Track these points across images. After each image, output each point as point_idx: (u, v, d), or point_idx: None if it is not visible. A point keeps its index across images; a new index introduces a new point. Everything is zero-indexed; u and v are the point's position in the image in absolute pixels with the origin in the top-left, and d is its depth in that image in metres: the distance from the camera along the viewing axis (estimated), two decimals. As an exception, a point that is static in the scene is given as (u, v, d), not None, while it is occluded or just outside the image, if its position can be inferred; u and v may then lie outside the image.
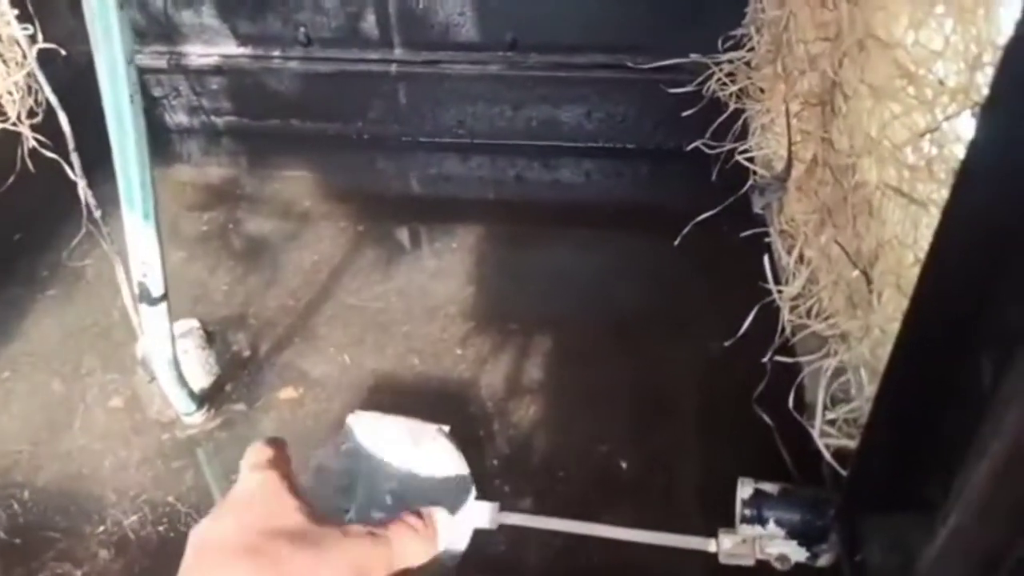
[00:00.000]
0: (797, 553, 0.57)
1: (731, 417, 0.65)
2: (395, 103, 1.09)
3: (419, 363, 0.84)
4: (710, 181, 0.80)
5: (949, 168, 0.39)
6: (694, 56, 0.85)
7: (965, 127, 0.39)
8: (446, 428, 0.71)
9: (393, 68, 1.05)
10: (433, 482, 0.66)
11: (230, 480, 0.75)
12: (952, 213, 0.33)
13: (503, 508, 0.65)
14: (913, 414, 0.39)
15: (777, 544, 0.58)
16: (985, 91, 0.37)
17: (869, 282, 0.49)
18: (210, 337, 0.84)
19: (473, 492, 0.66)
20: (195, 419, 0.76)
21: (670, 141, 0.90)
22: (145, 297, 0.58)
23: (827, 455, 0.46)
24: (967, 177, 0.31)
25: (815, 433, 0.48)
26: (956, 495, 0.32)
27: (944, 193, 0.40)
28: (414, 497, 0.65)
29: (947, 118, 0.39)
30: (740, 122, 0.77)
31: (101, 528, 0.71)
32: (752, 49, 0.83)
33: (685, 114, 0.83)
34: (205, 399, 0.78)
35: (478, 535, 0.64)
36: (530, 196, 1.04)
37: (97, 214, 0.76)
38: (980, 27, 0.37)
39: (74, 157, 0.76)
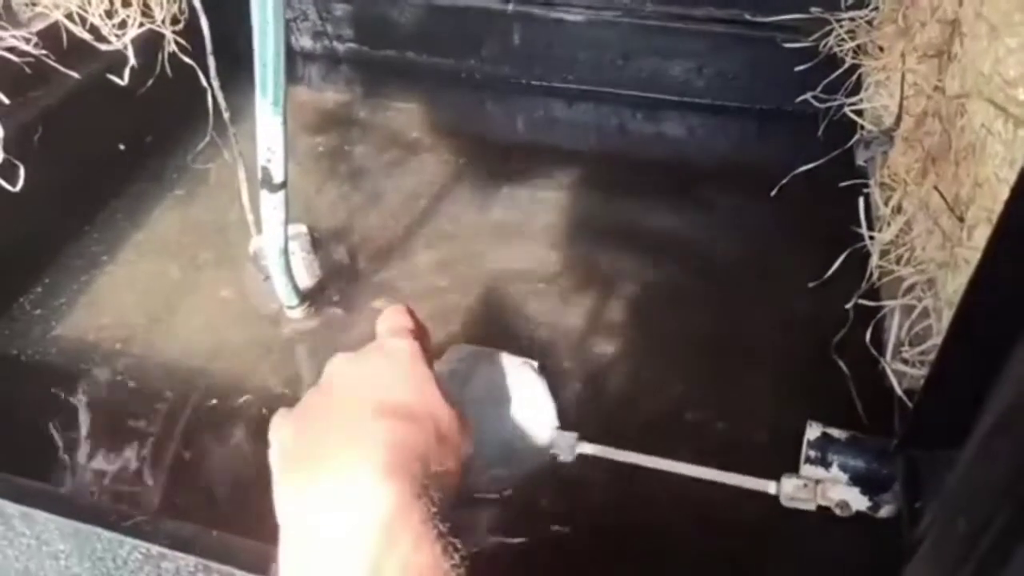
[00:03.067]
0: (858, 501, 0.58)
1: (809, 363, 0.65)
2: (508, 43, 1.11)
3: (505, 296, 0.87)
4: (816, 137, 0.79)
5: (1058, 104, 0.39)
6: (815, 11, 0.84)
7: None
8: (535, 363, 0.74)
9: (510, 7, 1.08)
10: (522, 411, 0.69)
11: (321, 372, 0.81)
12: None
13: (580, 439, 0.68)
14: (984, 349, 0.39)
15: (839, 490, 0.59)
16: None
17: (963, 229, 0.49)
18: (316, 243, 0.89)
19: (556, 422, 0.69)
20: (296, 314, 0.82)
21: (780, 98, 0.89)
22: (266, 182, 0.63)
23: (898, 389, 0.46)
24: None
25: (887, 368, 0.49)
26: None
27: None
28: (503, 424, 0.67)
29: (1063, 54, 0.39)
30: (854, 78, 0.76)
31: (205, 401, 0.77)
32: (876, 8, 0.81)
33: (798, 69, 0.82)
34: (307, 298, 0.83)
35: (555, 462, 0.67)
36: (632, 146, 1.05)
37: (226, 116, 0.82)
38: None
39: (210, 61, 0.82)
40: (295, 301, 0.80)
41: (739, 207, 0.87)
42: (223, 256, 0.92)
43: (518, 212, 0.98)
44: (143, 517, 0.52)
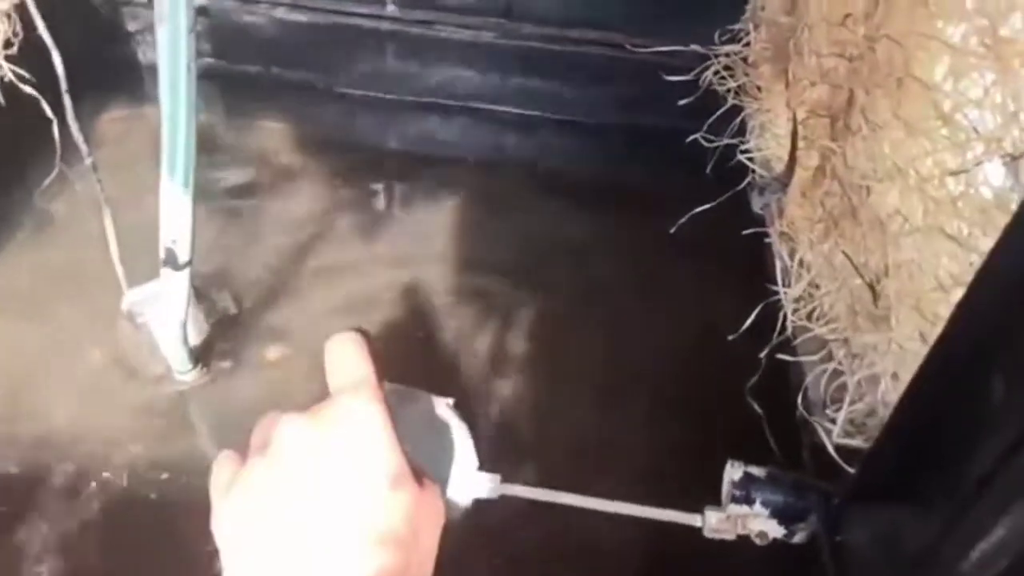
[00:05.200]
0: (776, 531, 0.63)
1: (721, 402, 0.70)
2: (382, 61, 1.08)
3: (405, 331, 0.85)
4: (705, 173, 0.83)
5: (976, 207, 0.43)
6: (694, 46, 0.87)
7: (995, 173, 0.43)
8: (451, 401, 0.74)
9: (384, 25, 1.04)
10: (440, 453, 0.69)
11: (222, 436, 0.76)
12: (999, 257, 0.37)
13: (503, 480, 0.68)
14: (926, 425, 0.44)
15: (759, 522, 0.63)
16: (1020, 148, 0.41)
17: (875, 296, 0.53)
18: (197, 294, 0.83)
19: (476, 463, 0.69)
20: (187, 377, 0.76)
21: (663, 127, 0.92)
22: (171, 262, 0.58)
23: (831, 448, 0.51)
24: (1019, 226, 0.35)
25: (818, 426, 0.53)
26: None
27: (967, 229, 0.44)
28: (420, 466, 0.67)
29: (978, 163, 0.43)
30: (738, 120, 0.80)
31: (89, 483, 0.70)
32: (748, 44, 0.86)
33: (682, 103, 0.86)
34: (196, 357, 0.77)
35: (477, 504, 0.68)
36: (515, 167, 1.05)
37: (88, 161, 0.74)
38: (1021, 84, 0.41)
39: (63, 85, 0.73)
40: (188, 366, 0.74)
41: (636, 241, 0.89)
42: (89, 312, 0.83)
43: (406, 239, 0.96)
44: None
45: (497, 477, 0.69)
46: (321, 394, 0.76)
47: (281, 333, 0.85)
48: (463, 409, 0.75)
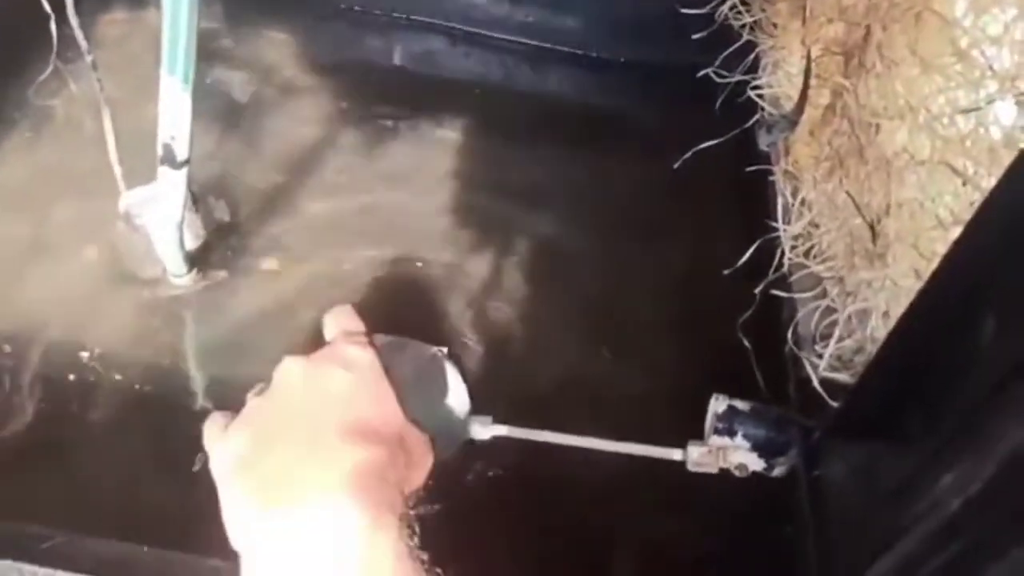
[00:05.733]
0: (756, 463, 0.64)
1: (712, 337, 0.70)
2: (391, -24, 1.05)
3: (400, 254, 0.85)
4: (714, 108, 0.82)
5: (984, 146, 0.43)
6: (710, -22, 0.85)
7: (1006, 112, 0.43)
8: (444, 350, 0.74)
9: (396, -62, 1.01)
10: (439, 401, 0.69)
11: (213, 343, 0.77)
12: (999, 196, 0.37)
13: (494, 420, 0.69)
14: (914, 361, 0.44)
15: (740, 455, 0.64)
16: (1037, 83, 0.41)
17: (875, 235, 0.53)
18: (195, 199, 0.82)
19: (468, 407, 0.70)
20: (182, 281, 0.76)
21: (675, 62, 0.91)
22: (168, 160, 0.57)
23: (816, 382, 0.51)
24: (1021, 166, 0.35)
25: (806, 361, 0.54)
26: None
27: (973, 168, 0.44)
28: (423, 416, 0.67)
29: (990, 101, 0.43)
30: (751, 57, 0.78)
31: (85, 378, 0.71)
32: (766, -21, 0.84)
33: (696, 36, 0.84)
34: (192, 262, 0.77)
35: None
36: (522, 95, 1.03)
37: (89, 59, 0.72)
38: (1044, 23, 0.40)
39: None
40: (184, 270, 0.74)
41: (641, 175, 0.89)
42: (85, 212, 0.82)
43: (406, 160, 0.95)
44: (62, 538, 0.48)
45: (488, 419, 0.69)
46: (313, 303, 0.75)
47: (277, 245, 0.85)
48: (455, 352, 0.75)
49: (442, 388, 0.69)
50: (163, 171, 0.58)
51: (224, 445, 0.40)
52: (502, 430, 0.67)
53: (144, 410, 0.70)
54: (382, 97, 1.02)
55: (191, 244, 0.78)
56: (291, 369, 0.42)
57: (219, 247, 0.82)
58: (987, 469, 0.39)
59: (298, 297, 0.80)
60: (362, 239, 0.85)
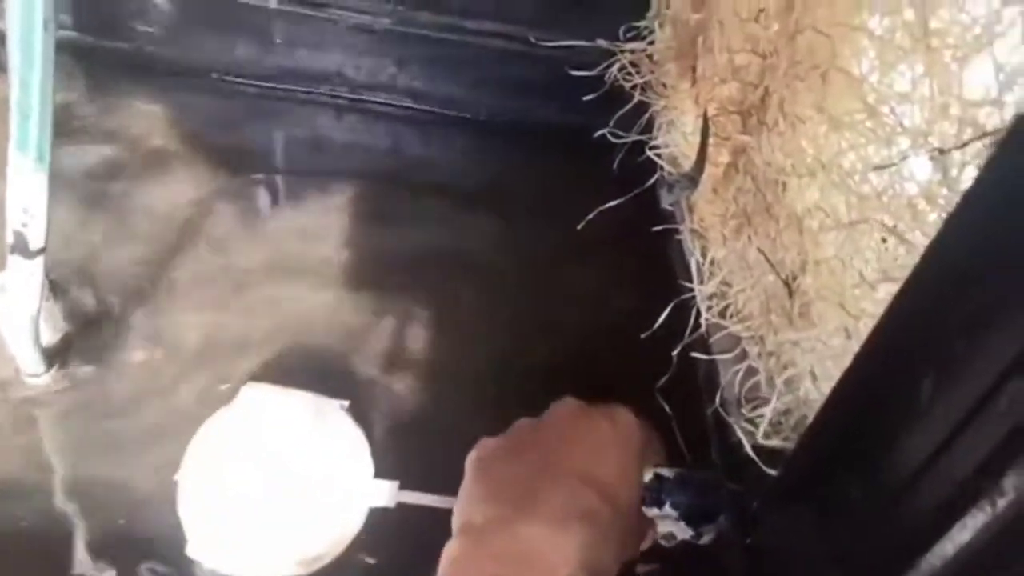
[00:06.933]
0: (683, 532, 0.62)
1: (631, 402, 0.68)
2: (268, 44, 1.00)
3: (290, 329, 0.79)
4: (612, 168, 0.82)
5: (902, 202, 0.43)
6: (599, 41, 0.85)
7: (921, 168, 0.43)
8: (346, 403, 0.69)
9: (272, 3, 0.97)
10: (333, 459, 0.64)
11: (78, 446, 0.68)
12: (934, 255, 0.36)
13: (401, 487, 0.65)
14: (851, 423, 0.43)
15: (667, 524, 0.62)
16: (948, 141, 0.41)
17: (791, 293, 0.52)
18: (55, 288, 0.73)
19: (372, 470, 0.65)
20: (40, 380, 0.67)
21: (568, 124, 0.90)
22: (20, 249, 0.50)
23: (748, 448, 0.49)
24: (957, 223, 0.35)
25: (736, 426, 0.52)
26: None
27: (892, 223, 0.44)
28: (314, 478, 0.63)
29: (904, 158, 0.42)
30: (645, 117, 0.79)
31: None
32: (652, 42, 0.85)
33: (587, 98, 0.84)
34: (52, 358, 0.68)
35: (374, 514, 0.63)
36: (411, 166, 1.00)
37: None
38: (951, 80, 0.40)
39: None
40: (41, 368, 0.65)
41: (543, 237, 0.86)
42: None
43: (294, 240, 0.89)
44: None
45: (395, 484, 0.65)
46: (200, 396, 0.68)
47: (150, 334, 0.77)
48: (357, 412, 0.70)
49: (340, 445, 0.65)
50: (14, 260, 0.51)
51: (487, 443, 0.49)
52: (409, 496, 0.63)
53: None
54: (261, 171, 0.96)
55: (50, 339, 0.69)
56: (567, 407, 0.49)
57: (85, 340, 0.74)
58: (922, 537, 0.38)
59: (174, 387, 0.73)
60: (246, 320, 0.79)
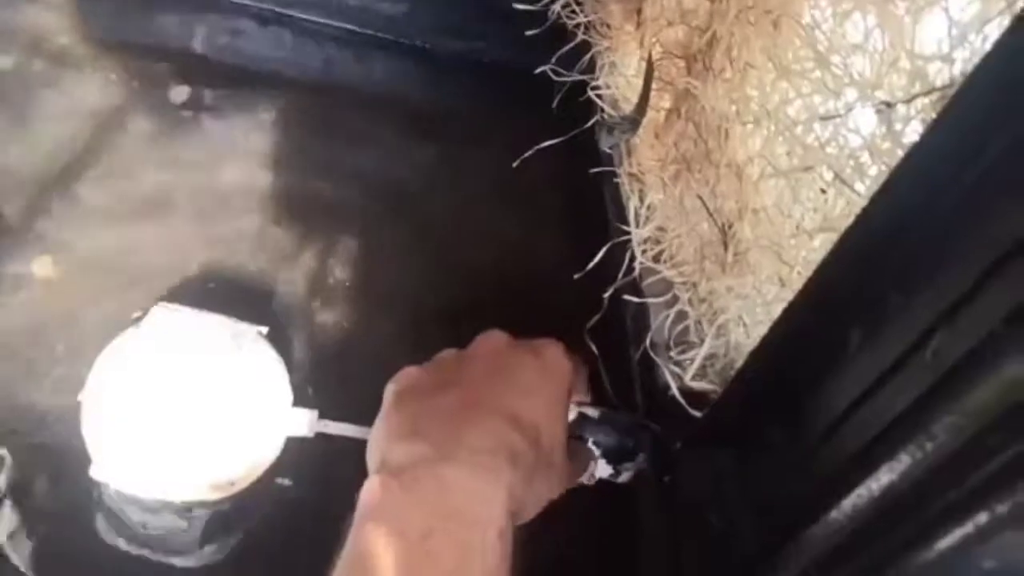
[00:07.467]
0: (604, 470, 0.62)
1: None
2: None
3: (209, 250, 0.75)
4: (551, 107, 0.80)
5: (845, 154, 0.43)
6: (542, -25, 0.83)
7: (866, 120, 0.43)
8: (264, 330, 0.66)
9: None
10: (249, 387, 0.62)
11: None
12: (877, 208, 0.36)
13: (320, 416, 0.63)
14: (779, 369, 0.44)
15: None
16: (896, 95, 0.41)
17: (726, 241, 0.53)
18: (-55, 190, 0.68)
19: (290, 398, 0.63)
20: (-74, 292, 0.62)
21: (509, 59, 0.88)
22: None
23: (676, 390, 0.50)
24: (901, 178, 0.35)
25: (664, 368, 0.52)
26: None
27: (831, 175, 0.44)
28: (228, 403, 0.60)
29: (850, 109, 0.43)
30: (588, 56, 0.77)
31: None
32: (597, -20, 0.83)
33: (529, 33, 0.81)
34: (-59, 266, 0.63)
35: (291, 442, 0.62)
36: (340, 83, 0.96)
37: None
38: (904, 33, 0.40)
39: None
40: (-70, 277, 0.60)
41: (477, 172, 0.84)
42: None
43: (210, 153, 0.85)
44: None
45: (314, 414, 0.63)
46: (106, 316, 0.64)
47: (53, 248, 0.72)
48: (276, 340, 0.68)
49: (256, 372, 0.63)
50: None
51: (408, 373, 0.46)
52: (329, 427, 0.61)
53: None
54: (180, 79, 0.90)
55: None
56: (494, 340, 0.47)
57: (-21, 246, 0.68)
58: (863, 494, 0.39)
59: (78, 304, 0.69)
60: (160, 236, 0.75)
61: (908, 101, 0.39)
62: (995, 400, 0.25)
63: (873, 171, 0.41)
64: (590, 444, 0.61)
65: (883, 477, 0.30)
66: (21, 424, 0.60)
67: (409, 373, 0.47)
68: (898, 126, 0.40)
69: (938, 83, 0.38)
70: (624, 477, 0.63)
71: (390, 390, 0.46)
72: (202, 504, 0.58)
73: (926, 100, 0.38)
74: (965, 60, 0.36)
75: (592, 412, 0.60)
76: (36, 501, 0.57)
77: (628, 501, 0.63)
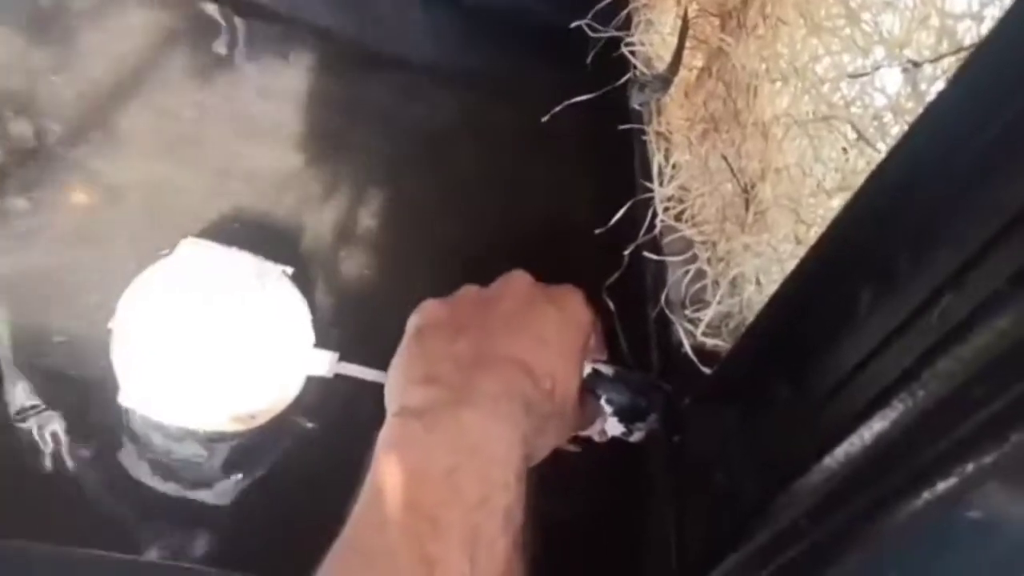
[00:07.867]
0: (615, 428, 0.63)
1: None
2: None
3: (238, 190, 0.76)
4: (585, 64, 0.79)
5: (869, 114, 0.42)
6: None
7: (892, 80, 0.43)
8: (289, 270, 0.68)
9: None
10: (272, 325, 0.64)
11: (5, 286, 0.66)
12: (890, 167, 0.36)
13: (341, 359, 0.65)
14: (788, 327, 0.44)
15: (600, 420, 0.63)
16: (924, 54, 0.41)
17: (748, 202, 0.53)
18: (-10, 115, 0.70)
19: (312, 339, 0.65)
20: (-32, 212, 0.64)
21: (544, 13, 0.87)
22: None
23: (688, 347, 0.50)
24: (919, 134, 0.35)
25: (679, 325, 0.52)
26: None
27: (855, 135, 0.44)
28: (251, 339, 0.62)
29: (877, 68, 0.42)
30: (624, 13, 0.76)
31: None
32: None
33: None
34: (-21, 189, 0.65)
35: (311, 382, 0.63)
36: (379, 34, 0.96)
37: None
38: (936, -9, 0.40)
39: None
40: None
41: (507, 125, 0.84)
42: None
43: (250, 93, 0.86)
44: None
45: (335, 355, 0.65)
46: (139, 244, 0.66)
47: (91, 176, 0.74)
48: (301, 282, 0.69)
49: (279, 310, 0.64)
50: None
51: (432, 308, 0.47)
52: (348, 368, 0.63)
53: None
54: (226, 23, 0.91)
55: (-18, 169, 0.66)
56: (517, 282, 0.48)
57: (17, 173, 0.70)
58: (847, 439, 0.39)
59: (114, 234, 0.70)
60: (193, 172, 0.76)
61: (935, 60, 0.38)
62: (984, 350, 0.25)
63: (895, 131, 0.41)
64: (603, 402, 0.62)
65: (875, 425, 0.31)
66: (54, 349, 0.62)
67: (432, 308, 0.48)
68: (923, 86, 0.39)
69: (966, 42, 0.37)
70: (636, 436, 0.64)
71: (412, 323, 0.47)
72: (223, 435, 0.60)
73: (952, 59, 0.37)
74: (995, 18, 0.36)
75: (606, 370, 0.61)
76: (67, 425, 0.59)
77: (638, 460, 0.64)
